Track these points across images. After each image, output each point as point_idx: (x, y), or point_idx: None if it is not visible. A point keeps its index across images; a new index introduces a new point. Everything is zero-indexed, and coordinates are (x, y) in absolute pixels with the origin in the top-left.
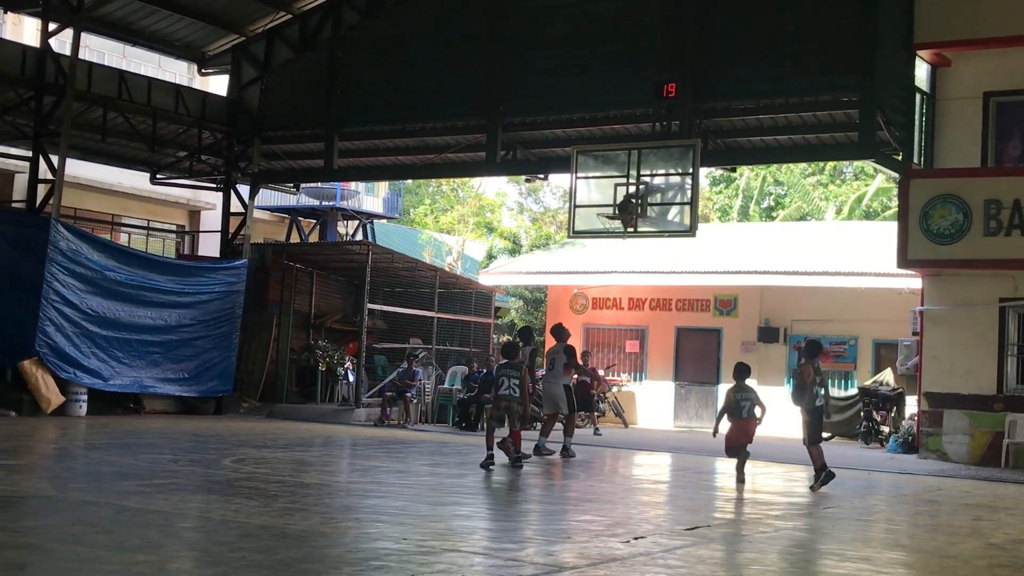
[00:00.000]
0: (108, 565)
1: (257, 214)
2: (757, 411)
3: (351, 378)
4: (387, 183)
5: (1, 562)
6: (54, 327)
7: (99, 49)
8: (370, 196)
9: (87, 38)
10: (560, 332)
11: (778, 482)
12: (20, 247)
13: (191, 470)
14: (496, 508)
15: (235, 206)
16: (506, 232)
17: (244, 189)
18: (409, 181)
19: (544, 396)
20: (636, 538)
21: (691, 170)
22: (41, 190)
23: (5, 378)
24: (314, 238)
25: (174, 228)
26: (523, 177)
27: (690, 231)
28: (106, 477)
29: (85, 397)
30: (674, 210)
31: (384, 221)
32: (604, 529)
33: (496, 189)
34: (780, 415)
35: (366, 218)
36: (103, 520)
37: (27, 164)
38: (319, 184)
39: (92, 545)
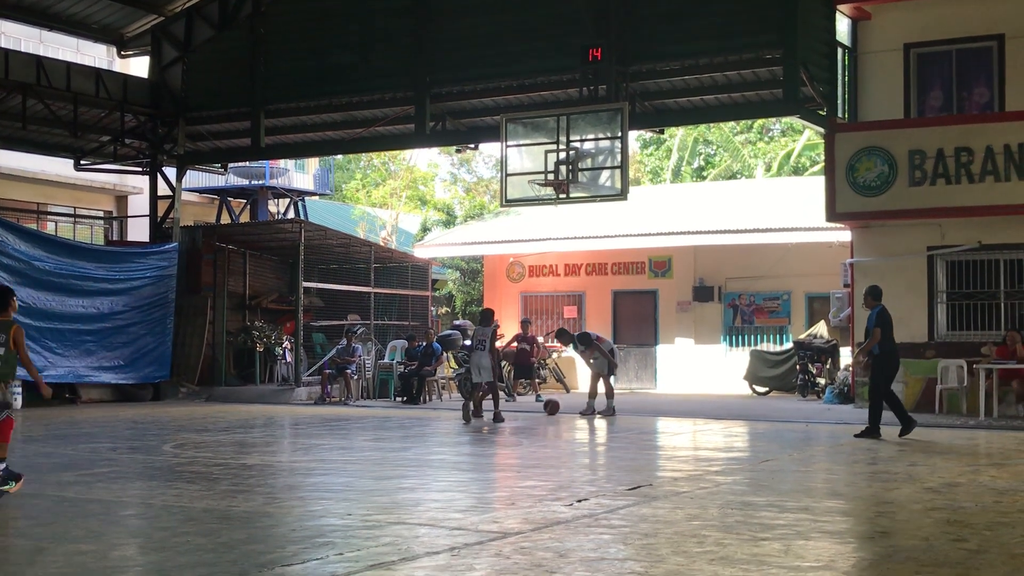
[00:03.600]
0: (51, 557)
1: (186, 196)
2: None
3: (289, 358)
4: (317, 160)
5: None
6: None
7: (15, 35)
8: (300, 173)
9: (2, 24)
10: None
11: (717, 438)
12: None
13: (131, 458)
14: (440, 479)
15: (162, 189)
16: (440, 204)
17: (171, 172)
18: (339, 157)
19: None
20: (579, 500)
21: (620, 134)
22: None
23: None
24: (245, 218)
25: (101, 214)
26: (454, 148)
27: (621, 194)
28: (45, 469)
29: (19, 390)
30: (605, 174)
31: (316, 198)
32: (548, 494)
33: (428, 161)
34: (716, 372)
35: (297, 196)
36: (43, 512)
37: None
38: (247, 163)
39: (34, 537)
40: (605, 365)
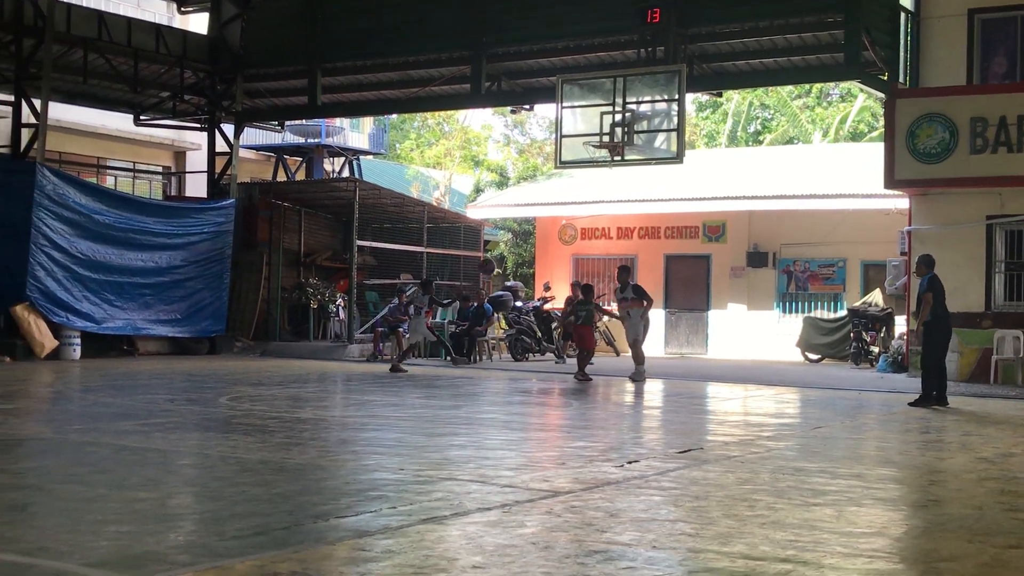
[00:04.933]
0: (110, 503)
1: (243, 153)
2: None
3: (343, 315)
4: (372, 119)
5: (4, 503)
6: (44, 272)
7: None
8: (355, 132)
9: None
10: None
11: (769, 404)
12: (6, 193)
13: (188, 409)
14: (490, 437)
15: (220, 146)
16: (493, 165)
17: (229, 129)
18: (394, 116)
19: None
20: (630, 462)
21: (676, 96)
22: (25, 135)
23: None
24: (301, 176)
25: (160, 170)
26: (508, 108)
27: (677, 158)
28: (103, 418)
29: (78, 341)
30: (661, 137)
31: (370, 157)
32: (598, 454)
33: (482, 122)
34: (768, 339)
35: (352, 155)
36: (102, 460)
37: (9, 109)
38: (304, 121)
39: (93, 484)
40: (641, 328)
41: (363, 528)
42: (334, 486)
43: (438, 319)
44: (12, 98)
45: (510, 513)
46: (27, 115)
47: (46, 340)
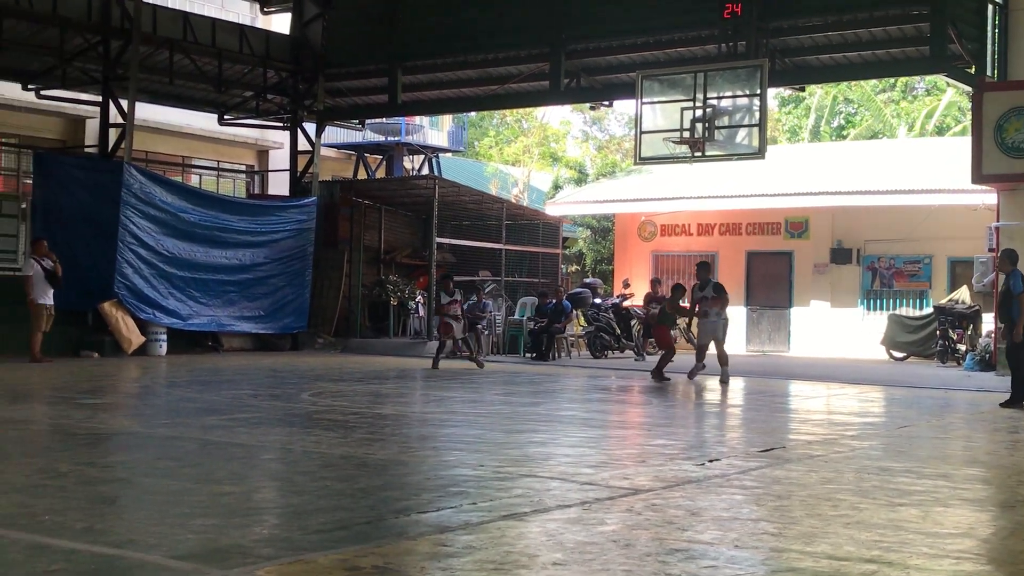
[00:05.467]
0: (196, 496)
1: (324, 151)
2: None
3: (422, 312)
4: (451, 116)
5: (94, 496)
6: (132, 269)
7: None
8: (435, 130)
9: None
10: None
11: (852, 403)
12: (95, 191)
13: (271, 404)
14: (570, 435)
15: (302, 144)
16: (571, 161)
17: (311, 127)
18: (473, 114)
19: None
20: (711, 461)
21: (759, 91)
22: (112, 134)
23: (87, 320)
24: (381, 174)
25: (243, 168)
26: (587, 105)
27: (759, 153)
28: (189, 413)
29: (165, 337)
30: (742, 132)
31: (449, 155)
32: (678, 453)
33: (560, 118)
34: (852, 336)
35: (431, 152)
36: (189, 454)
37: (98, 109)
38: (384, 120)
39: (180, 478)
40: (719, 327)
41: (444, 524)
42: (415, 482)
43: (516, 316)
44: (100, 98)
45: (590, 510)
46: (114, 115)
47: (133, 336)
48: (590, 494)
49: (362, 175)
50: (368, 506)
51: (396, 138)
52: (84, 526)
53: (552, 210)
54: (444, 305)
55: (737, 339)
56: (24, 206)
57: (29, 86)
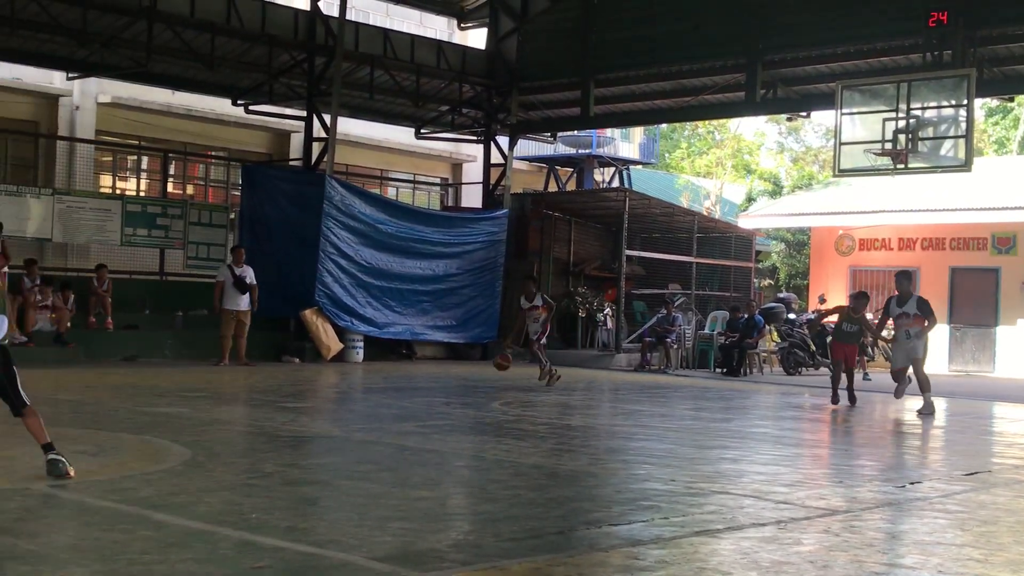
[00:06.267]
0: (393, 500)
1: (516, 164)
2: None
3: (610, 324)
4: (643, 128)
5: (297, 497)
6: (332, 278)
7: (364, 9)
8: (626, 142)
9: None
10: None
11: None
12: (298, 203)
13: (463, 412)
14: (762, 452)
15: (495, 157)
16: (766, 173)
17: (504, 140)
18: (665, 125)
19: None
20: (911, 483)
21: (965, 101)
22: (315, 148)
23: (289, 327)
24: (571, 186)
25: (438, 181)
26: (783, 116)
27: (965, 165)
28: (385, 419)
29: (361, 344)
30: (947, 144)
31: (640, 167)
32: (877, 474)
33: (754, 129)
34: None
35: (622, 164)
36: (385, 459)
37: (302, 123)
38: (576, 132)
39: (377, 482)
40: (920, 349)
41: (636, 537)
42: (605, 494)
43: (707, 330)
44: (304, 113)
45: (786, 530)
46: (317, 129)
47: (332, 343)
48: (785, 513)
49: (553, 187)
50: (559, 516)
51: (587, 151)
52: (288, 525)
53: (745, 223)
54: (524, 310)
55: (939, 358)
56: (232, 216)
57: (238, 102)
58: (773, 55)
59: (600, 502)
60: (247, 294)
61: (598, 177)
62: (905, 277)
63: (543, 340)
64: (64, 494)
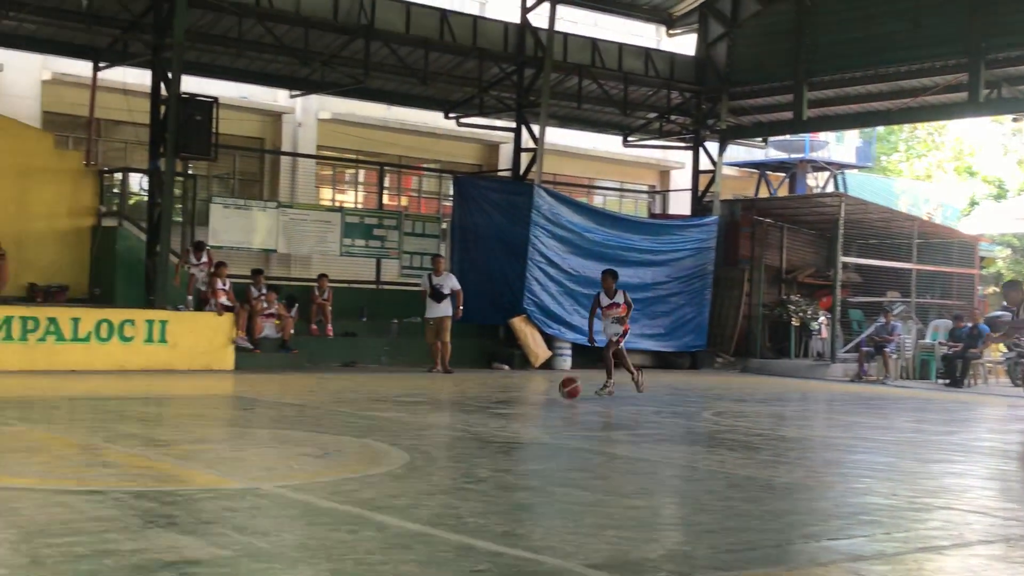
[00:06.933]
0: (607, 508)
1: (725, 170)
2: None
3: (825, 333)
4: (858, 131)
5: (512, 502)
6: (539, 286)
7: (572, 20)
8: (840, 146)
9: (561, 9)
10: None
11: None
12: (507, 212)
13: (673, 422)
14: (989, 466)
15: (704, 163)
16: (990, 177)
17: (713, 146)
18: (881, 128)
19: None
20: None
21: None
22: (524, 158)
23: (498, 334)
24: (783, 192)
25: (645, 188)
26: (1009, 117)
27: None
28: (595, 427)
29: (570, 352)
30: None
31: (855, 171)
32: None
33: (977, 131)
34: None
35: (836, 169)
36: (597, 466)
37: (510, 135)
38: (787, 137)
39: (590, 489)
40: None
41: (856, 552)
42: (824, 507)
43: (928, 340)
44: (513, 124)
45: (1016, 547)
46: (526, 140)
47: (540, 350)
48: (1014, 530)
49: (763, 193)
50: (776, 529)
51: (799, 155)
52: (504, 530)
53: (968, 228)
54: (605, 308)
55: None
56: (444, 226)
57: (450, 115)
58: (997, 53)
59: (818, 515)
60: (443, 302)
61: (811, 182)
62: None
63: (622, 344)
64: (292, 494)
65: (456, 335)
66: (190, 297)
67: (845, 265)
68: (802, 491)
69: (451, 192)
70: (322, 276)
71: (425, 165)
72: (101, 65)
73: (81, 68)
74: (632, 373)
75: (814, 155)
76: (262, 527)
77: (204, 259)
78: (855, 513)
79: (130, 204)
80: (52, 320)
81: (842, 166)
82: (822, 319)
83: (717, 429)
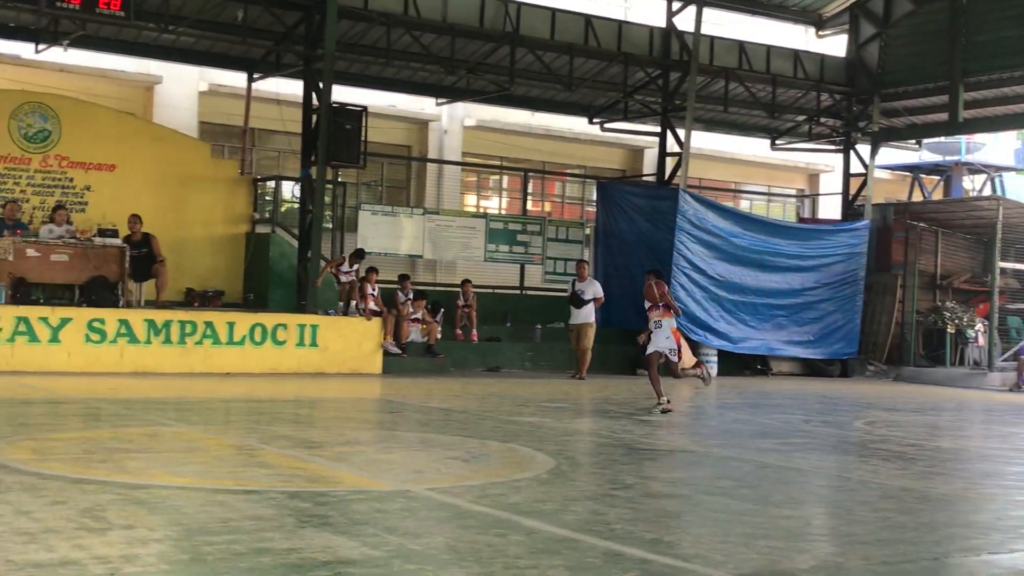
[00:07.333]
0: (756, 518)
1: (877, 173)
2: None
3: (982, 340)
4: (1016, 132)
5: (659, 509)
6: (684, 292)
7: (718, 22)
8: (997, 147)
9: (707, 12)
10: None
11: None
12: (652, 218)
13: (824, 431)
14: None
15: (855, 167)
16: None
17: (864, 149)
18: None
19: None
20: None
21: None
22: (668, 163)
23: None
24: (937, 195)
25: (793, 192)
26: None
27: None
28: (743, 435)
29: (715, 358)
30: None
31: (1014, 173)
32: None
33: None
34: None
35: (994, 171)
36: (745, 475)
37: (654, 140)
38: (942, 139)
39: (739, 498)
40: None
41: (1019, 567)
42: (984, 520)
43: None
44: (658, 129)
45: None
46: (671, 144)
47: (686, 357)
48: None
49: (917, 196)
50: (933, 541)
51: (955, 157)
52: (653, 537)
53: None
54: (648, 311)
55: None
56: (587, 232)
57: (594, 120)
58: None
59: (978, 528)
60: (584, 308)
61: (967, 185)
62: None
63: (676, 358)
64: (441, 497)
65: (600, 341)
66: (341, 303)
67: (1003, 270)
68: (960, 503)
69: (595, 197)
70: (466, 281)
71: (569, 171)
72: (255, 76)
73: (236, 79)
74: (659, 396)
75: (970, 157)
76: (413, 529)
77: (356, 266)
78: (1017, 527)
79: (282, 211)
80: (208, 324)
81: (999, 168)
82: (979, 326)
83: (869, 439)
